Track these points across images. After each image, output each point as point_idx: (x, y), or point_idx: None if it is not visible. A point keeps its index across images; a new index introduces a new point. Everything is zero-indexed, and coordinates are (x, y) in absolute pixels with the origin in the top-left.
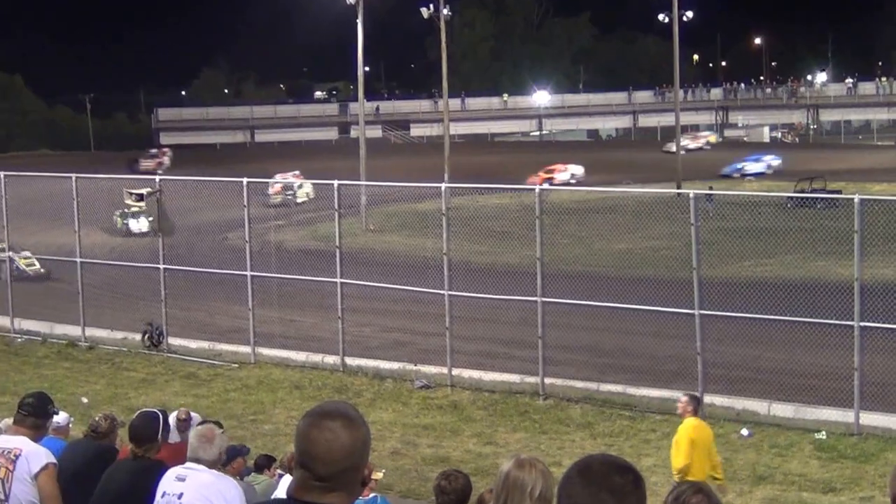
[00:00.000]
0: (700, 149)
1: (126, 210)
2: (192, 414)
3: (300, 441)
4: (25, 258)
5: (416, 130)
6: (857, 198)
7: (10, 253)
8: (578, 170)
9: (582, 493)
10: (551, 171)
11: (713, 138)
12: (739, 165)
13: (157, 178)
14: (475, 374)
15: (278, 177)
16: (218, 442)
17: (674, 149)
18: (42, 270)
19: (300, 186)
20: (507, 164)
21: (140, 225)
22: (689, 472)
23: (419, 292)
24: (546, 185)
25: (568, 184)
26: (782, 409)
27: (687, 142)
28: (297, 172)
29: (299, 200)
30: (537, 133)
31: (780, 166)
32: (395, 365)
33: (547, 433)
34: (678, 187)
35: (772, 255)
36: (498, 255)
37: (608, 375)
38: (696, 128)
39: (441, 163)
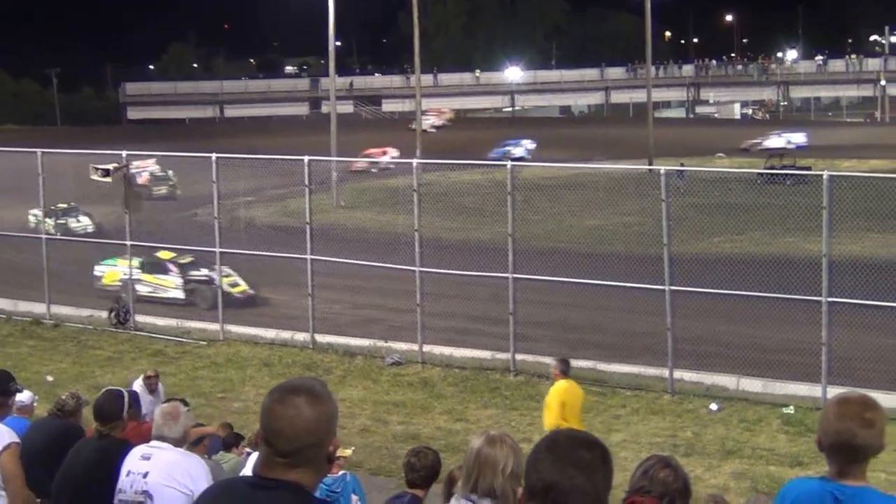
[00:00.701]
0: (444, 125)
1: (54, 207)
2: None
3: (263, 417)
4: (227, 276)
5: (388, 106)
6: (826, 174)
7: (206, 270)
8: (395, 152)
9: (550, 468)
10: (369, 155)
11: (453, 115)
12: (505, 149)
13: (124, 152)
14: (446, 350)
15: (136, 164)
16: (183, 420)
17: (423, 127)
18: (251, 291)
19: (174, 176)
20: (479, 140)
21: (83, 223)
22: None
23: (390, 269)
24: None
25: (388, 166)
26: (751, 384)
27: (432, 118)
28: (154, 159)
29: (179, 192)
30: (510, 109)
31: (536, 149)
32: (365, 342)
33: (517, 409)
34: (650, 163)
35: (742, 232)
36: (470, 232)
37: (579, 351)
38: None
39: (413, 138)
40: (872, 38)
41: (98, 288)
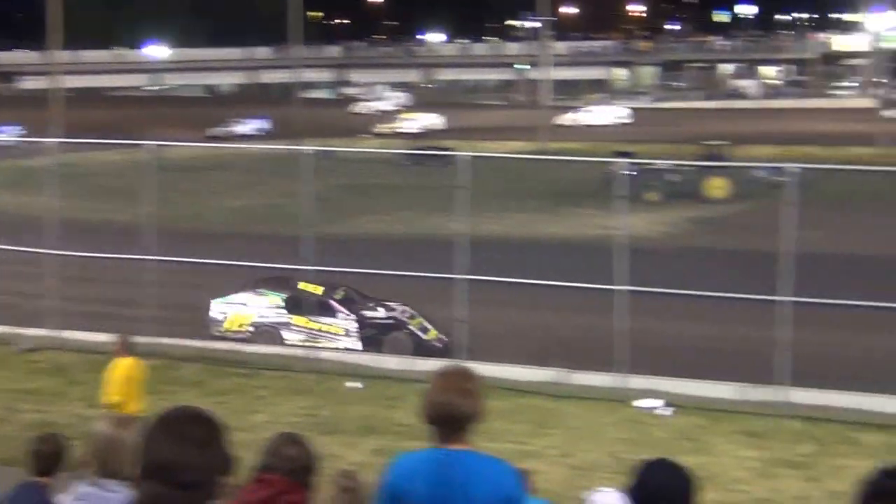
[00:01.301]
0: None
1: None
2: None
3: None
4: (413, 317)
5: (24, 83)
6: (462, 155)
7: (383, 310)
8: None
9: (163, 446)
10: None
11: None
12: None
13: None
14: (84, 335)
15: None
16: None
17: None
18: (445, 338)
19: None
20: (121, 119)
21: None
22: (122, 408)
23: (23, 252)
24: None
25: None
26: (391, 362)
27: None
28: None
29: None
30: (154, 87)
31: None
32: None
33: (157, 393)
34: (296, 144)
35: (389, 212)
36: (111, 213)
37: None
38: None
39: (51, 117)
40: (508, 22)
41: (218, 334)
